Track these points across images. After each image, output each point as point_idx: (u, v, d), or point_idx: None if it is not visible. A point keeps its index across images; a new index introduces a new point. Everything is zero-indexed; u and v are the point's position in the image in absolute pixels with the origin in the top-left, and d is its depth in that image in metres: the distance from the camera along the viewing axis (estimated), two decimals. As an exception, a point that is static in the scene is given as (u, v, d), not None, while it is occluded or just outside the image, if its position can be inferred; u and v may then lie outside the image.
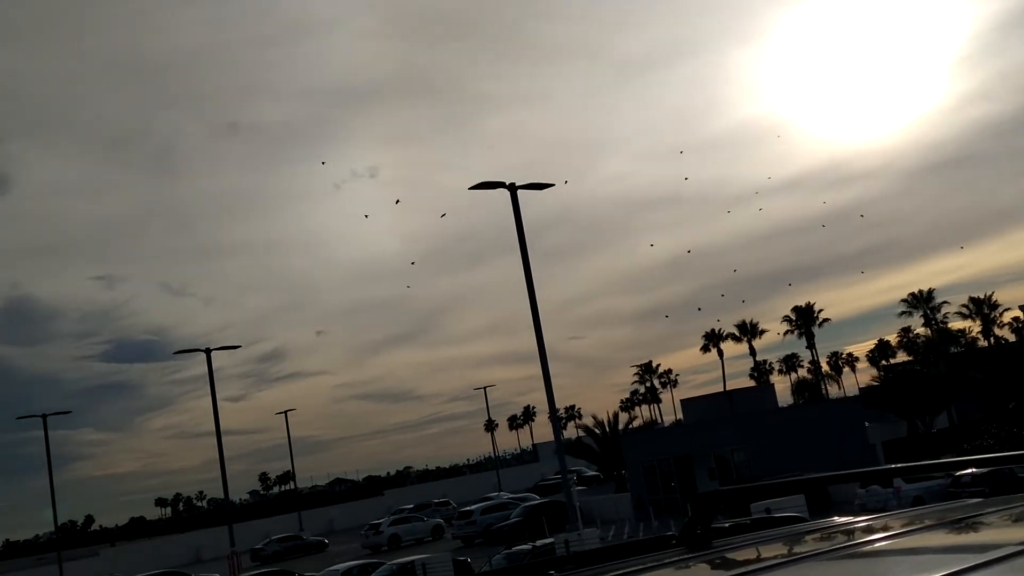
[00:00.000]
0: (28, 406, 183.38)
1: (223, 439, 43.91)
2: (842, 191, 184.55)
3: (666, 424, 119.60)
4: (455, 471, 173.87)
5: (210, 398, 44.33)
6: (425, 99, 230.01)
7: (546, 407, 34.90)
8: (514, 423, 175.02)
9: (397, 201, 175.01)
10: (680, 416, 76.86)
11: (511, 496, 62.10)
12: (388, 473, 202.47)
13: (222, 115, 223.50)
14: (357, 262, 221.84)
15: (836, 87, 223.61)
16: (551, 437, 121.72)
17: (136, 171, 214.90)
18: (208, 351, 44.85)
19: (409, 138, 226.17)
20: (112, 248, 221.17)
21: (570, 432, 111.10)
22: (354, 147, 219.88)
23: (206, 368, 44.28)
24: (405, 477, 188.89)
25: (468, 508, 56.34)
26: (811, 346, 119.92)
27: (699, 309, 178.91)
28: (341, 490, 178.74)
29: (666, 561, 2.93)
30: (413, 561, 32.99)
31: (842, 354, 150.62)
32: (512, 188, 34.06)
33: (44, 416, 53.99)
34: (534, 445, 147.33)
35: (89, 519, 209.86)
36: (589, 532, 32.18)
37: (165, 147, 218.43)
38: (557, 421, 36.81)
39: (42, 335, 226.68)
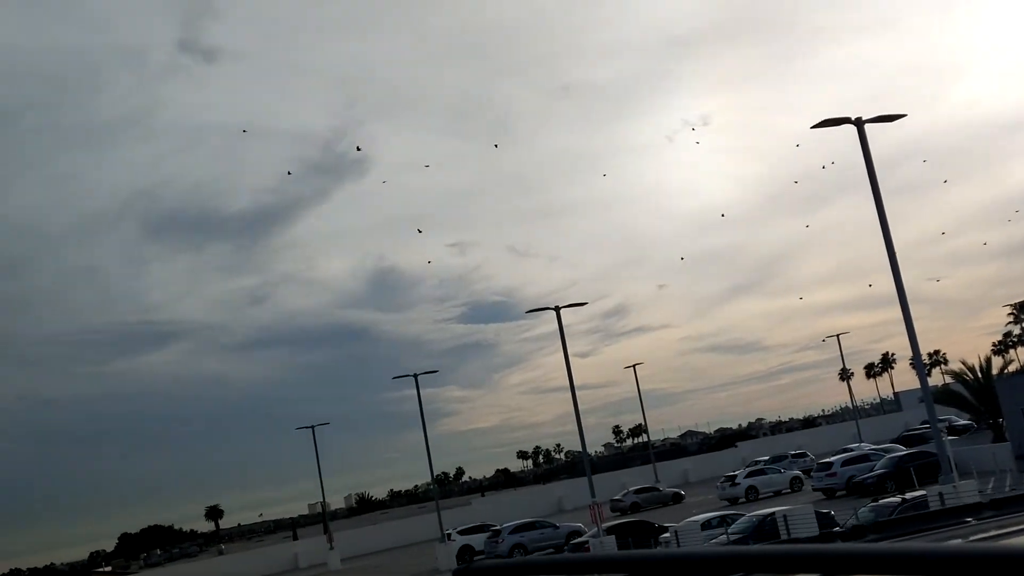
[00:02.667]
0: (399, 367, 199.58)
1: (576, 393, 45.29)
2: None
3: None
4: (809, 422, 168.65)
5: (559, 354, 45.83)
6: (753, 40, 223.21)
7: (905, 354, 32.78)
8: (871, 371, 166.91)
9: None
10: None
11: (872, 447, 59.20)
12: (739, 425, 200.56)
13: (554, 78, 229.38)
14: (694, 212, 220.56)
15: None
16: (912, 385, 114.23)
17: (477, 140, 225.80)
18: (557, 309, 46.33)
19: (739, 82, 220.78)
20: (461, 216, 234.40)
21: (934, 379, 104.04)
22: (684, 97, 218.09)
23: (554, 326, 45.80)
24: (757, 429, 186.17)
25: (827, 460, 54.37)
26: None
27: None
28: (693, 442, 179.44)
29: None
30: (774, 513, 32.31)
31: None
32: (859, 123, 32.04)
33: (415, 375, 58.52)
34: (895, 394, 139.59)
35: (460, 471, 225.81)
36: (965, 484, 29.90)
37: (503, 115, 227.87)
38: (922, 368, 34.43)
39: (406, 301, 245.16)
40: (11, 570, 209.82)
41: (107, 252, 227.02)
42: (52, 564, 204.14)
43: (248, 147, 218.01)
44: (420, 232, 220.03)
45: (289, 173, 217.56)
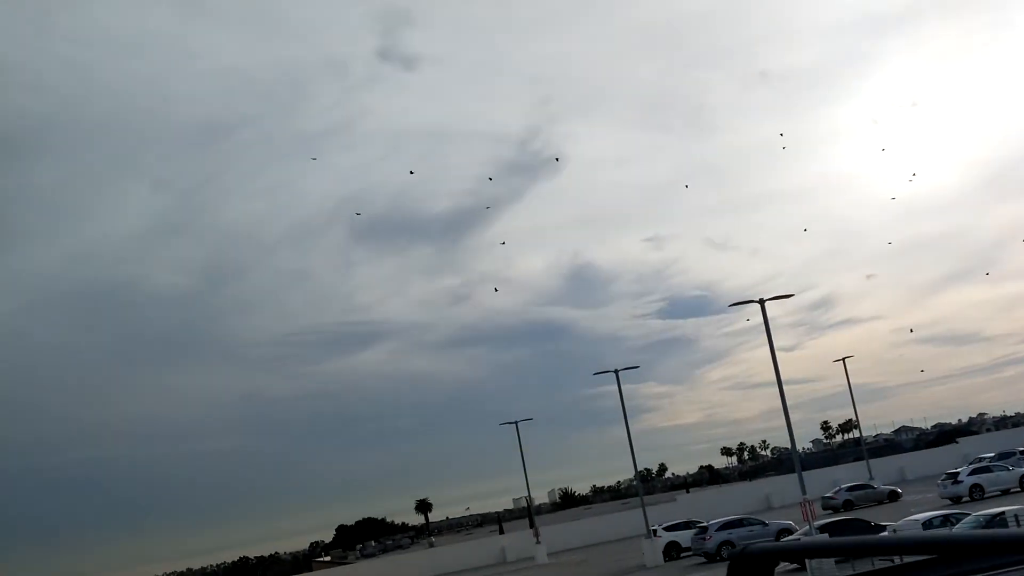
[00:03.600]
0: (598, 363, 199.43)
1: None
2: None
3: None
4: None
5: (762, 349, 44.66)
6: (959, 15, 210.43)
7: None
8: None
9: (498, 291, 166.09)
10: None
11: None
12: (959, 420, 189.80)
13: (751, 65, 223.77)
14: (904, 198, 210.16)
15: None
16: None
17: (672, 133, 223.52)
18: (762, 302, 45.21)
19: (946, 60, 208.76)
20: (657, 210, 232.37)
21: None
22: (890, 77, 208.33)
23: (756, 320, 44.69)
24: (979, 424, 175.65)
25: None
26: None
27: None
28: (908, 438, 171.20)
29: None
30: (1004, 512, 30.48)
31: None
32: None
33: (616, 371, 58.50)
34: None
35: (662, 467, 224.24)
36: None
37: (697, 106, 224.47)
38: None
39: (604, 297, 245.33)
40: (240, 558, 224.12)
41: (317, 257, 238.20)
42: (276, 553, 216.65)
43: (447, 150, 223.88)
44: (616, 229, 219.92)
45: (491, 179, 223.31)
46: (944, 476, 58.97)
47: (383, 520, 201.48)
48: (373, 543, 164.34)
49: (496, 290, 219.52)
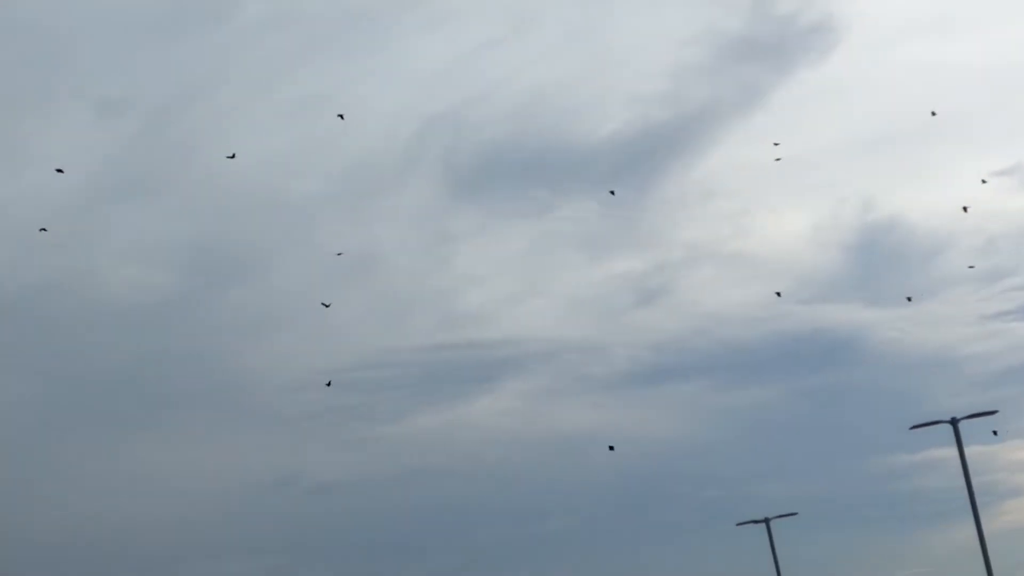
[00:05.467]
0: (914, 408, 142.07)
1: None
2: None
3: None
4: None
5: None
6: None
7: None
8: None
9: None
10: None
11: None
12: None
13: None
14: None
15: None
16: None
17: None
18: None
19: None
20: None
21: None
22: None
23: None
24: None
25: None
26: None
27: None
28: None
29: None
30: None
31: None
32: None
33: (954, 422, 40.59)
34: None
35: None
36: None
37: None
38: None
39: (922, 284, 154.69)
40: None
41: (385, 228, 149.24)
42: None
43: (618, 25, 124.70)
44: None
45: (700, 74, 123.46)
46: None
47: None
48: None
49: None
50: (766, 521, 55.35)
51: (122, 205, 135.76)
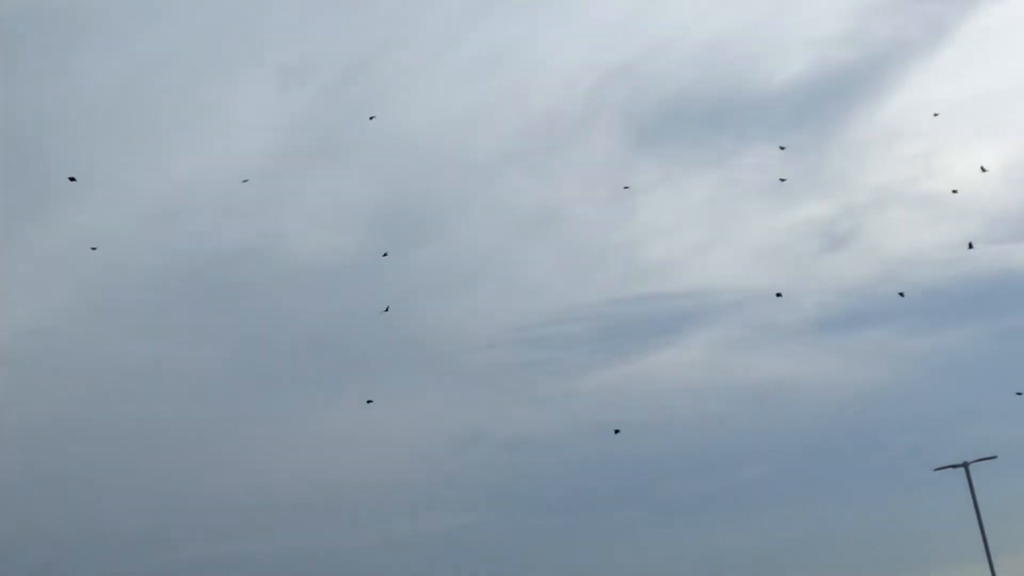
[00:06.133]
0: None
1: None
2: None
3: None
4: None
5: None
6: None
7: None
8: None
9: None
10: None
11: None
12: None
13: None
14: None
15: None
16: None
17: None
18: None
19: None
20: None
21: None
22: None
23: None
24: None
25: None
26: None
27: None
28: None
29: None
30: None
31: None
32: None
33: None
34: None
35: None
36: None
37: None
38: None
39: None
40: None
41: (565, 181, 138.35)
42: None
43: None
44: None
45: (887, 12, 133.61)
46: None
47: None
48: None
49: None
50: (965, 465, 53.94)
51: (308, 170, 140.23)
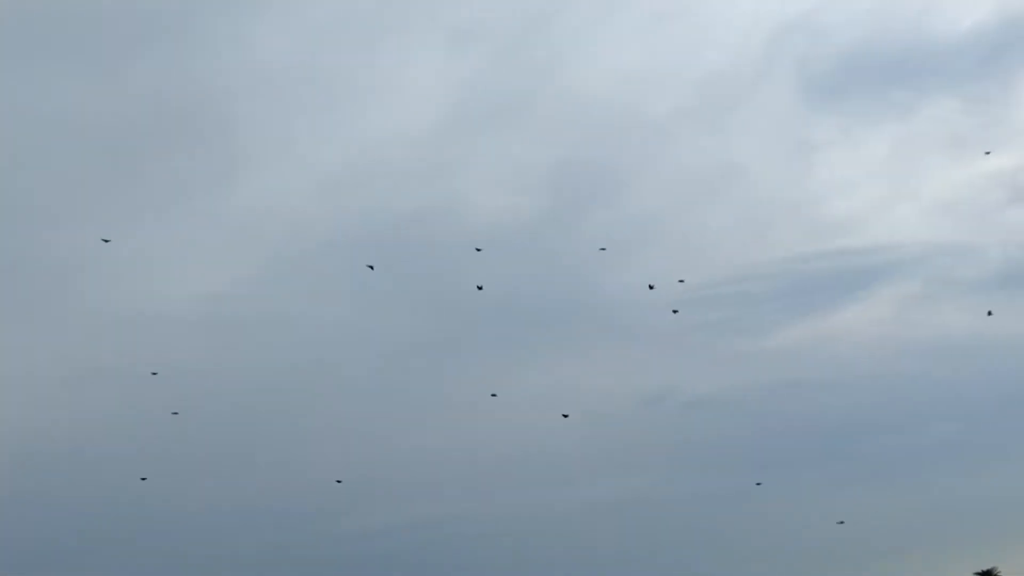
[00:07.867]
0: None
1: None
2: None
3: None
4: None
5: None
6: None
7: None
8: None
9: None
10: None
11: None
12: None
13: None
14: None
15: None
16: None
17: None
18: None
19: None
20: None
21: None
22: None
23: None
24: None
25: None
26: None
27: None
28: None
29: None
30: None
31: None
32: None
33: None
34: None
35: None
36: None
37: None
38: None
39: None
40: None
41: (743, 138, 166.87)
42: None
43: None
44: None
45: None
46: None
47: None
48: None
49: None
50: None
51: (483, 133, 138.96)
